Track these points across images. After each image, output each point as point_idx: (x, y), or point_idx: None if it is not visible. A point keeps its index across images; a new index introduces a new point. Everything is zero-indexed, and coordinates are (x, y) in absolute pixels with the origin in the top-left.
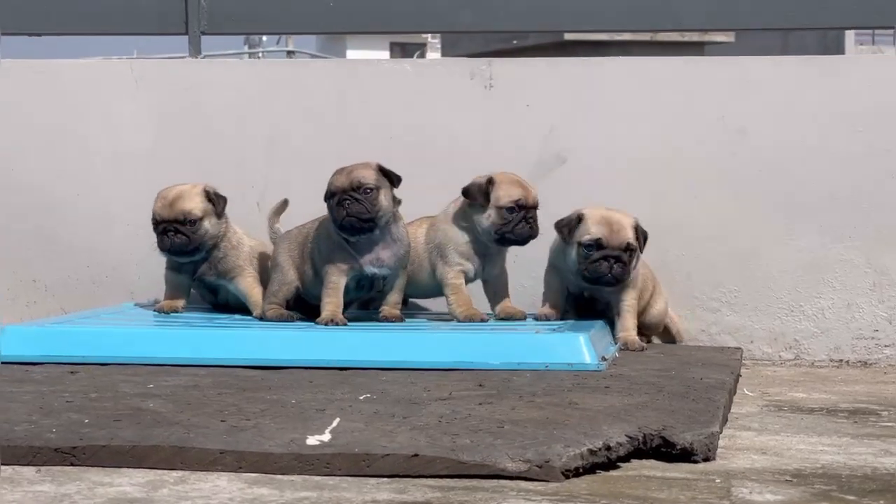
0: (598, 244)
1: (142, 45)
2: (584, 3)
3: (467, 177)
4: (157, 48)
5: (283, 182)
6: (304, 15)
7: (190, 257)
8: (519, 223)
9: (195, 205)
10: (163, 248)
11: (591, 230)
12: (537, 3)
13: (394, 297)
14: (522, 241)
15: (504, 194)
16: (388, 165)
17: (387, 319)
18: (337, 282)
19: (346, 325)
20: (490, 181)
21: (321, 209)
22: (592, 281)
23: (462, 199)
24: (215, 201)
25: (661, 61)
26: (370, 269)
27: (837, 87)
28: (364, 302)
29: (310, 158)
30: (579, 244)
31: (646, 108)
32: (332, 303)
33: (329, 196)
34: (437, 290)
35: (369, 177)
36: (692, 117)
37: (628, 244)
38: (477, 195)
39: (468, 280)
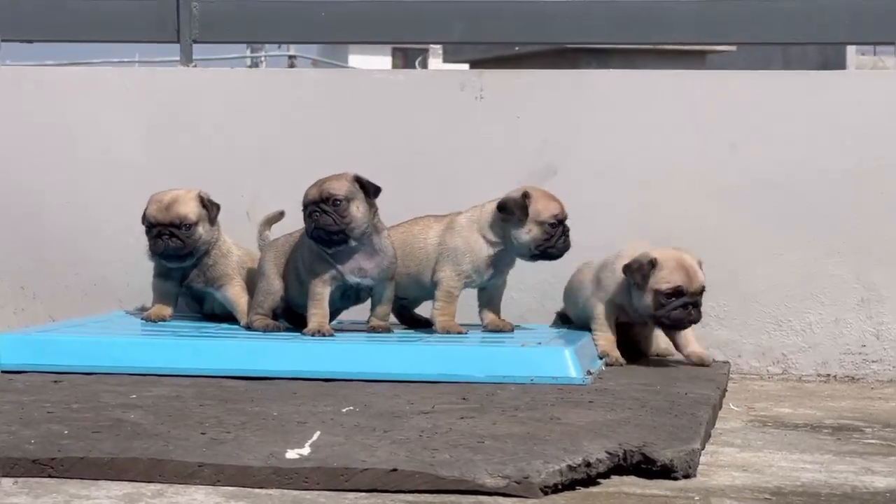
0: (678, 292)
1: (144, 50)
2: (582, 15)
3: (458, 187)
4: (160, 53)
5: (273, 192)
6: (300, 23)
7: (181, 262)
8: (560, 238)
9: (190, 209)
10: (156, 251)
11: (670, 278)
12: (534, 14)
13: (382, 309)
14: (560, 255)
15: (544, 208)
16: (378, 175)
17: (374, 330)
18: (321, 293)
19: (332, 335)
20: (526, 195)
21: None
22: (670, 326)
23: (485, 209)
24: (209, 207)
25: (654, 74)
26: (353, 279)
27: (829, 103)
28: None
29: (300, 168)
30: (657, 292)
31: (637, 121)
32: (317, 314)
33: (303, 207)
34: None
35: (340, 188)
36: (684, 130)
37: (703, 287)
38: (515, 209)
39: (466, 287)
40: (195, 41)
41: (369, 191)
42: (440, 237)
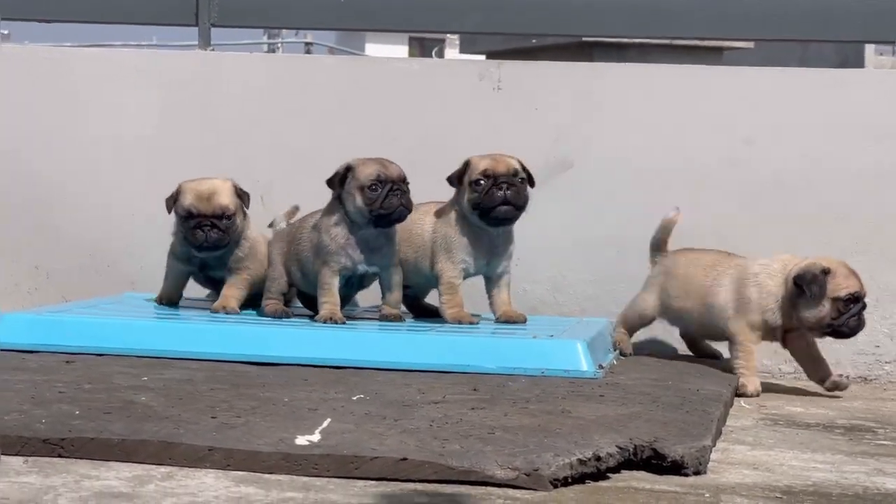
0: (855, 298)
1: (161, 33)
2: (602, 8)
3: None
4: (178, 37)
5: (287, 177)
6: (317, 10)
7: (218, 252)
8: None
9: (230, 200)
10: (196, 242)
11: (846, 284)
12: (553, 6)
13: (393, 296)
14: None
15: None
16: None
17: (386, 319)
18: (330, 282)
19: (344, 322)
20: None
21: (325, 204)
22: (846, 335)
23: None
24: (242, 197)
25: (671, 69)
26: (361, 268)
27: (847, 101)
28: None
29: (315, 154)
30: (835, 300)
31: (654, 116)
32: (328, 302)
33: (378, 183)
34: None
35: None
36: (700, 126)
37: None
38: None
39: (467, 275)
40: (213, 25)
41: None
42: (434, 225)
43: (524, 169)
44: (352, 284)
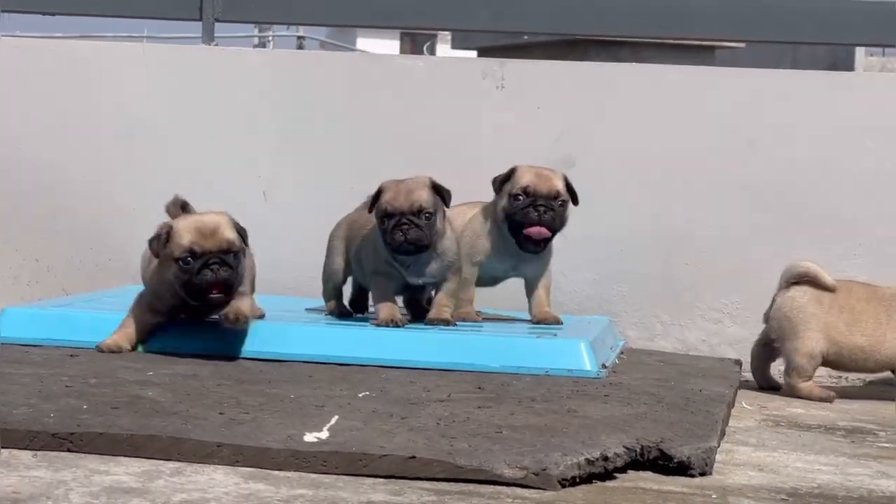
0: None
1: (151, 25)
2: (596, 7)
3: (477, 175)
4: (168, 29)
5: (291, 173)
6: (318, 5)
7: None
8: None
9: (429, 196)
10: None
11: None
12: (547, 3)
13: (442, 300)
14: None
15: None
16: (395, 161)
17: (432, 323)
18: (386, 285)
19: (404, 325)
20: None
21: (327, 200)
22: None
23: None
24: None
25: (675, 70)
26: (415, 281)
27: (848, 104)
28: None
29: (319, 150)
30: None
31: (657, 116)
32: (386, 305)
33: (384, 215)
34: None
35: (429, 199)
36: (702, 127)
37: None
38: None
39: (491, 278)
40: (217, 20)
41: (445, 198)
42: (466, 222)
43: (569, 189)
44: (408, 288)
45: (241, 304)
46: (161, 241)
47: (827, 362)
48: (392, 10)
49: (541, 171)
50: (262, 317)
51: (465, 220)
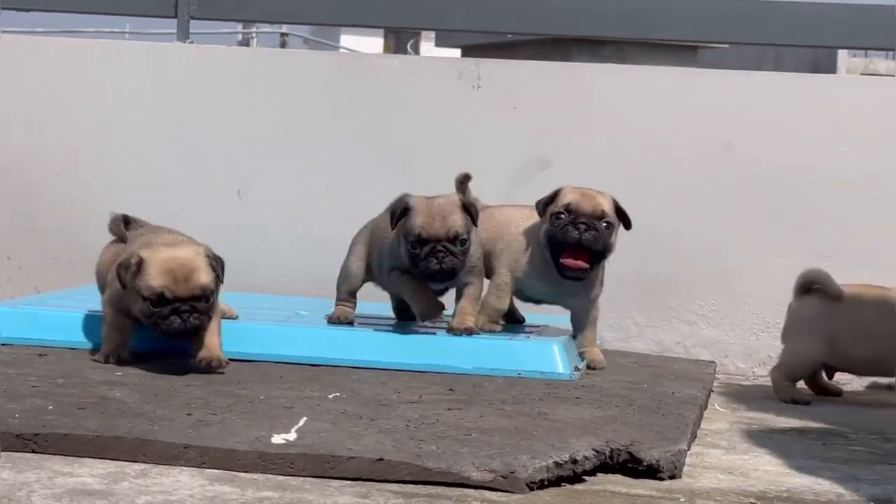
0: None
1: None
2: (578, 7)
3: (453, 174)
4: (148, 25)
5: (266, 171)
6: (293, 4)
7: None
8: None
9: (463, 219)
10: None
11: None
12: (530, 3)
13: (465, 307)
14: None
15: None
16: (372, 159)
17: (455, 332)
18: (415, 285)
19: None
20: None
21: (303, 199)
22: None
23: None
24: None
25: (653, 71)
26: (436, 286)
27: (825, 107)
28: None
29: (294, 148)
30: None
31: (633, 118)
32: (422, 300)
33: (416, 239)
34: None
35: (462, 224)
36: (680, 129)
37: None
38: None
39: (529, 297)
40: (192, 17)
41: (474, 217)
42: (523, 230)
43: (619, 211)
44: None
45: (212, 342)
46: (130, 273)
47: (836, 369)
48: (371, 9)
49: (586, 190)
50: (235, 318)
51: (512, 227)
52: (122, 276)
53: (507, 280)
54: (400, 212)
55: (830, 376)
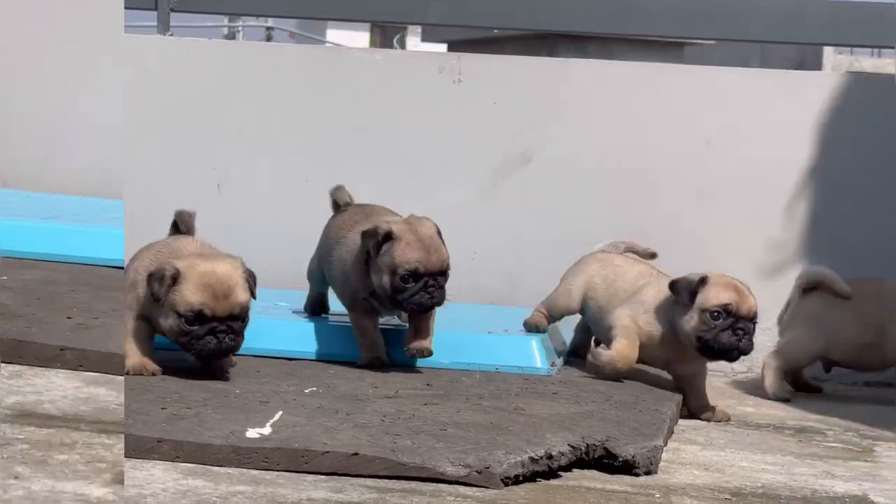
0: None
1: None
2: (563, 2)
3: (434, 170)
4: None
5: (246, 166)
6: None
7: None
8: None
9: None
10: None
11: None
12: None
13: (425, 328)
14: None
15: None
16: (353, 154)
17: (413, 356)
18: (366, 324)
19: (386, 365)
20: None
21: (282, 193)
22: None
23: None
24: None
25: (634, 67)
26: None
27: (805, 103)
28: None
29: (274, 142)
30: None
31: (615, 113)
32: (366, 343)
33: (408, 274)
34: None
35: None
36: (660, 125)
37: None
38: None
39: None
40: (173, 10)
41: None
42: (643, 288)
43: None
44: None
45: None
46: (165, 285)
47: (836, 363)
48: (354, 2)
49: (739, 285)
50: None
51: (643, 293)
52: (155, 289)
53: (628, 323)
54: (381, 238)
55: (828, 370)
